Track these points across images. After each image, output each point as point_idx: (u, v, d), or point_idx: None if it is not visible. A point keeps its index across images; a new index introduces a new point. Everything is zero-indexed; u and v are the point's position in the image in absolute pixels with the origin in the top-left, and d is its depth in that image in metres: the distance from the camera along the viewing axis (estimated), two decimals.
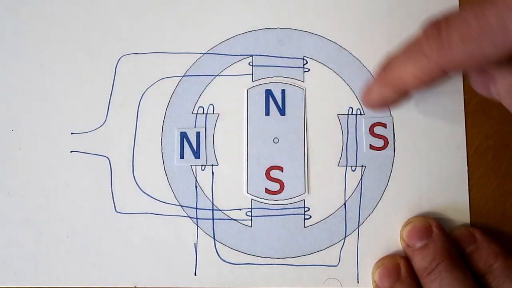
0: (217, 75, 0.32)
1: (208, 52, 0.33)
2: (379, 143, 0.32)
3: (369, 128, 0.32)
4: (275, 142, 0.32)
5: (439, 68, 0.24)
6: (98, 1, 0.33)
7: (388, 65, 0.27)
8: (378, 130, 0.32)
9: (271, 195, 0.31)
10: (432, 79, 0.25)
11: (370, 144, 0.32)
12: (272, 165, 0.31)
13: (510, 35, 0.21)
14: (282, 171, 0.31)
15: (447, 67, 0.24)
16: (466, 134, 0.32)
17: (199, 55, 0.32)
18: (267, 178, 0.31)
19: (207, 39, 0.33)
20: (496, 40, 0.22)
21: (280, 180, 0.31)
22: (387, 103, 0.29)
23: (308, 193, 0.31)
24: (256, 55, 0.33)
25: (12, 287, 0.30)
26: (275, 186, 0.31)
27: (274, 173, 0.31)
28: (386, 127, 0.32)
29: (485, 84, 0.27)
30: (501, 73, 0.26)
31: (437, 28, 0.24)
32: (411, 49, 0.25)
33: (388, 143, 0.32)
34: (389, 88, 0.27)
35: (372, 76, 0.32)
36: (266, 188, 0.31)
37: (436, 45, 0.24)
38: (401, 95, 0.27)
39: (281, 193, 0.31)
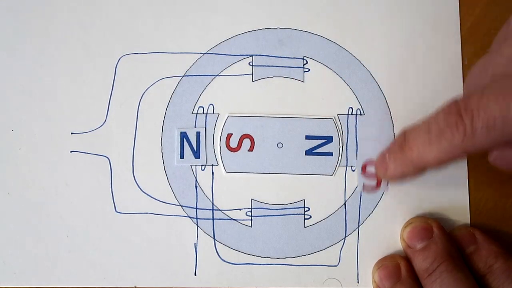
0: (217, 75, 0.32)
1: (208, 52, 0.33)
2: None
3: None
4: (279, 147, 0.32)
5: (463, 152, 0.25)
6: (98, 1, 0.33)
7: (405, 145, 0.27)
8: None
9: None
10: (455, 160, 0.25)
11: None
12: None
13: None
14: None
15: (470, 151, 0.24)
16: None
17: (199, 55, 0.32)
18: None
19: (207, 39, 0.33)
20: None
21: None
22: (406, 178, 0.29)
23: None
24: (256, 55, 0.33)
25: (12, 287, 0.30)
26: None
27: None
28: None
29: (504, 158, 0.27)
30: None
31: (459, 115, 0.24)
32: (432, 133, 0.25)
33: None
34: (409, 167, 0.27)
35: (371, 75, 0.32)
36: None
37: (460, 134, 0.24)
38: (421, 172, 0.27)
39: None
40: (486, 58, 0.26)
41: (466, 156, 0.25)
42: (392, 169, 0.28)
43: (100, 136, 0.32)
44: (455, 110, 0.24)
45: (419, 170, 0.27)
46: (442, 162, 0.26)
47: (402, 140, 0.27)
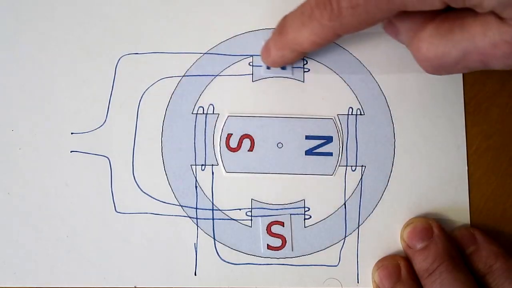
0: (217, 75, 0.32)
1: (208, 52, 0.33)
2: (277, 242, 0.31)
3: (266, 227, 0.31)
4: (279, 147, 0.32)
5: (333, 33, 0.26)
6: (98, 1, 0.33)
7: (283, 29, 0.28)
8: (275, 229, 0.31)
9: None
10: (327, 42, 0.27)
11: (267, 244, 0.31)
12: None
13: (392, 1, 0.23)
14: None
15: (340, 32, 0.26)
16: (466, 134, 0.32)
17: (199, 55, 0.32)
18: None
19: (207, 39, 0.33)
20: (381, 5, 0.24)
21: None
22: (288, 62, 0.31)
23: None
24: (256, 55, 0.32)
25: (12, 287, 0.30)
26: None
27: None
28: (283, 226, 0.31)
29: (393, 31, 0.28)
30: (401, 22, 0.26)
31: None
32: (305, 15, 0.26)
33: (286, 242, 0.31)
34: (288, 50, 0.29)
35: (372, 75, 0.32)
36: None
37: (327, 13, 0.25)
38: (300, 55, 0.30)
39: None
40: None
41: (338, 38, 0.26)
42: (273, 53, 0.30)
43: (100, 136, 0.32)
44: None
45: (297, 53, 0.29)
46: (316, 44, 0.27)
47: (282, 24, 0.28)
